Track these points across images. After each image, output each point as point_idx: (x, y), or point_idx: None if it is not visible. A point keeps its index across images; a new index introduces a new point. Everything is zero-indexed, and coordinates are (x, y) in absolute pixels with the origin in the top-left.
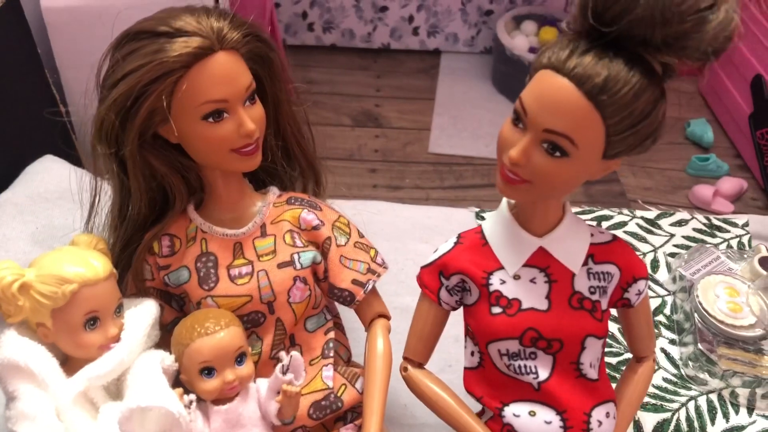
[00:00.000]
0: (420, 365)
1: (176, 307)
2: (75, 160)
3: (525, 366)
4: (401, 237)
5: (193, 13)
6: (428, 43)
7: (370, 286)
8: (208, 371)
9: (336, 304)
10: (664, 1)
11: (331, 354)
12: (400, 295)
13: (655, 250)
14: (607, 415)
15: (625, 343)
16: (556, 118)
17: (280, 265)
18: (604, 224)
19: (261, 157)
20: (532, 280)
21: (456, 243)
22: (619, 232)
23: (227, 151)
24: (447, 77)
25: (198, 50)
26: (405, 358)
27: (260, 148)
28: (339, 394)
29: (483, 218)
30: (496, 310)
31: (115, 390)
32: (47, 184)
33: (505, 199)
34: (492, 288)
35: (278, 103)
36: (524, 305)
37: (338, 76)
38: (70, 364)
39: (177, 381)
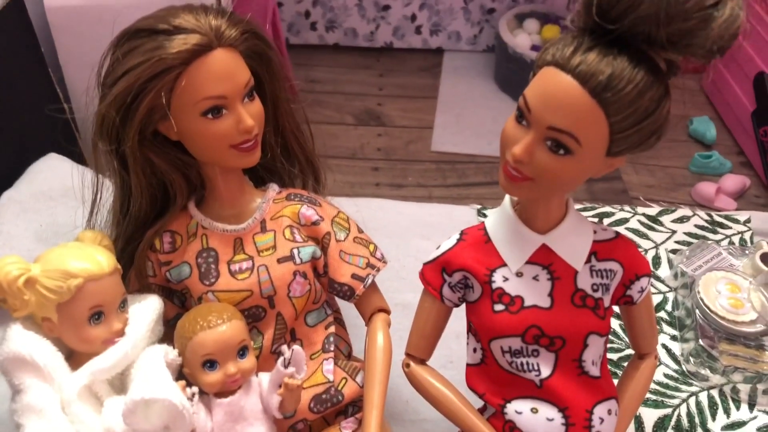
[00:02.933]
0: (422, 361)
1: (178, 303)
2: (78, 157)
3: (527, 363)
4: (403, 234)
5: (191, 11)
6: (431, 42)
7: (369, 281)
8: (211, 364)
9: (336, 299)
10: None
11: (332, 348)
12: (402, 291)
13: (656, 246)
14: (609, 412)
15: (627, 339)
16: (560, 115)
17: (280, 260)
18: (606, 221)
19: (260, 153)
20: (535, 278)
21: (459, 240)
22: (620, 229)
23: (226, 147)
24: (449, 75)
25: (196, 47)
26: (407, 355)
27: (259, 144)
28: (339, 388)
29: (485, 215)
30: (499, 307)
31: (119, 384)
32: (51, 182)
33: (507, 196)
34: (495, 285)
35: (277, 101)
36: (527, 303)
37: (341, 75)
38: (74, 358)
39: (180, 374)
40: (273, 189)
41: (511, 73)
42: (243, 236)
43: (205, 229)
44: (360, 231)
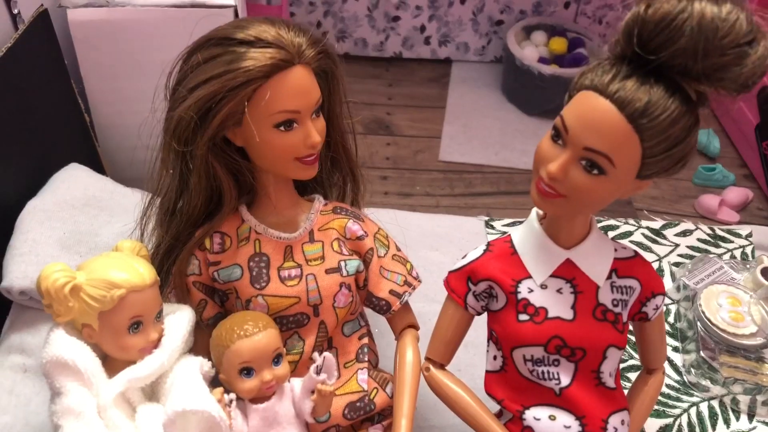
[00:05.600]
0: (442, 366)
1: (218, 302)
2: (97, 166)
3: (548, 372)
4: (412, 245)
5: (272, 24)
6: (439, 52)
7: (406, 298)
8: (247, 371)
9: (366, 312)
10: (706, 33)
11: (366, 358)
12: (412, 301)
13: (659, 259)
14: (622, 422)
15: (632, 351)
16: (597, 137)
17: (328, 271)
18: (611, 234)
19: (318, 167)
20: (559, 290)
21: (485, 251)
22: (624, 242)
23: (291, 159)
24: (458, 86)
25: (280, 62)
26: (427, 359)
27: (318, 158)
28: (372, 397)
29: (492, 227)
30: (524, 317)
31: (150, 392)
32: (73, 192)
33: (534, 211)
34: (520, 296)
35: (333, 117)
36: (550, 314)
37: (351, 84)
38: (108, 364)
39: (216, 381)
40: (320, 201)
41: (519, 85)
42: (293, 244)
43: (259, 234)
44: (398, 249)
